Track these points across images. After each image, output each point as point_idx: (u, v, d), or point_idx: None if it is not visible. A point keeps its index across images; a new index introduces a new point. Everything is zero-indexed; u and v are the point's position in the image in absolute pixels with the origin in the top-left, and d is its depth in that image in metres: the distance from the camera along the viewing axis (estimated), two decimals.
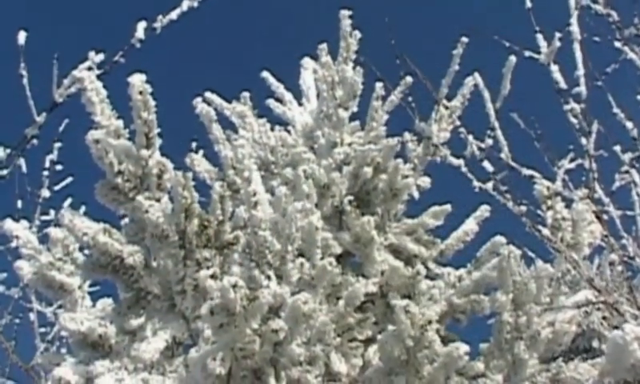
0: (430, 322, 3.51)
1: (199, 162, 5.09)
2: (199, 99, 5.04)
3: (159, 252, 3.92)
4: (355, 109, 5.42)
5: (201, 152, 5.21)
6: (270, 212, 3.58)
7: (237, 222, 4.05)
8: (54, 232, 3.97)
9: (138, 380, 3.51)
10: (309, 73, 5.84)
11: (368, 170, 4.95)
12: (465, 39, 5.21)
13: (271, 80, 5.82)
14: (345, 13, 5.43)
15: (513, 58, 4.40)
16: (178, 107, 5.83)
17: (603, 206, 3.77)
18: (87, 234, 3.82)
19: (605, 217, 3.76)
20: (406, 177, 4.95)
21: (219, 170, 5.01)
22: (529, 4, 3.99)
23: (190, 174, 3.85)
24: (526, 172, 4.04)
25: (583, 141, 3.75)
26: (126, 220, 4.07)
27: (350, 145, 5.23)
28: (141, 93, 3.85)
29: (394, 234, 4.95)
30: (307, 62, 5.89)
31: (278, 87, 5.80)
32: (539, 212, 4.26)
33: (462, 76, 5.23)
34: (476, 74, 4.78)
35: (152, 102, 3.88)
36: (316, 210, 3.90)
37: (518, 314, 3.87)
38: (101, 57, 3.92)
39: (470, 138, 4.19)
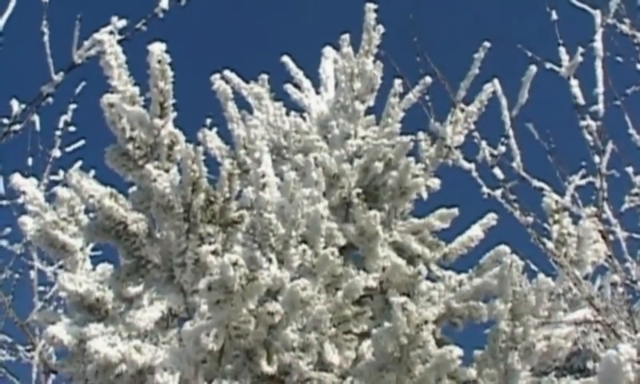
0: (426, 322, 3.50)
1: (211, 138, 5.10)
2: (217, 76, 5.05)
3: (163, 222, 3.93)
4: (372, 103, 5.42)
5: (214, 129, 5.22)
6: (277, 195, 3.59)
7: (243, 202, 4.06)
8: (60, 191, 3.98)
9: (131, 346, 3.52)
10: (329, 62, 5.85)
11: (379, 165, 4.95)
12: (487, 44, 5.20)
13: (291, 65, 5.82)
14: (370, 6, 5.43)
15: (533, 68, 4.36)
16: (196, 82, 5.83)
17: (610, 226, 3.74)
18: (93, 196, 3.83)
19: (611, 237, 3.73)
20: (417, 176, 4.95)
21: (231, 148, 5.03)
22: (554, 16, 3.96)
23: (200, 149, 3.85)
24: (536, 183, 4.00)
25: (596, 159, 3.72)
26: (134, 188, 4.08)
27: (363, 138, 5.24)
28: (159, 62, 3.85)
29: (399, 232, 4.96)
30: (328, 51, 5.90)
31: (297, 73, 5.81)
32: (545, 225, 4.24)
33: (481, 80, 5.23)
34: (495, 81, 4.76)
35: (170, 73, 3.89)
36: (323, 198, 3.90)
37: (514, 324, 3.86)
38: (123, 23, 3.91)
39: (484, 143, 4.16)
